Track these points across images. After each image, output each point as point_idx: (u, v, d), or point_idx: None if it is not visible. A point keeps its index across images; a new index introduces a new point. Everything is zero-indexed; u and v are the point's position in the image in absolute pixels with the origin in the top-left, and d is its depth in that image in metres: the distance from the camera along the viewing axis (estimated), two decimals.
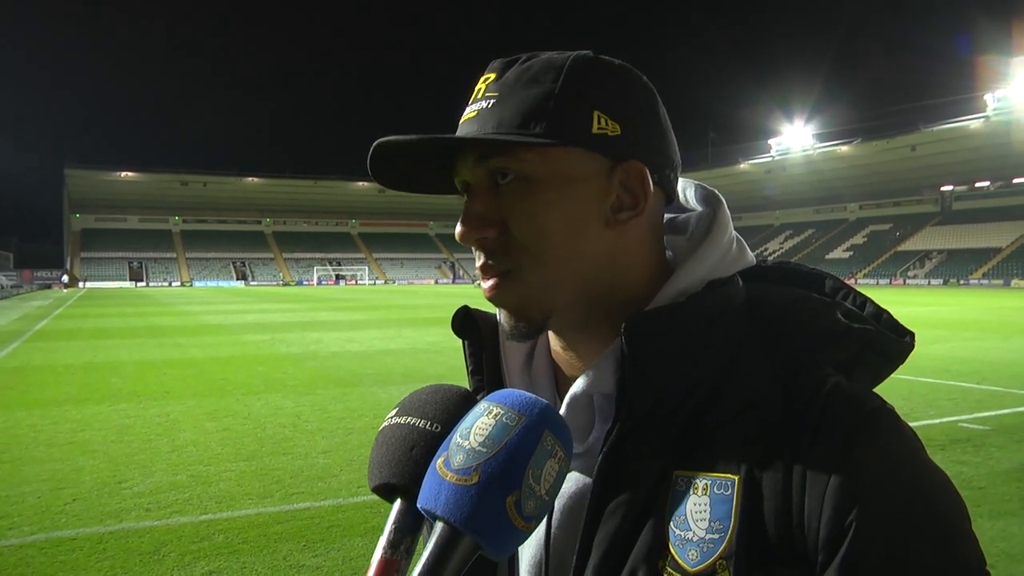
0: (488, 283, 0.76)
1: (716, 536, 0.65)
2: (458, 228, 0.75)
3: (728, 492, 0.66)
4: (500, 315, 0.80)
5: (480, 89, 0.77)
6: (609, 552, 0.69)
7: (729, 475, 0.67)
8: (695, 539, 0.66)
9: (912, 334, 0.78)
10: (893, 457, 0.64)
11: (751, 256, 0.83)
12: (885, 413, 0.66)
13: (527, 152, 0.72)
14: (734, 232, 0.82)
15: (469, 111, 0.76)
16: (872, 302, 0.80)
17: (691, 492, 0.68)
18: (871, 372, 0.76)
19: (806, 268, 0.85)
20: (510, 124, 0.72)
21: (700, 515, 0.67)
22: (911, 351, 0.77)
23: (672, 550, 0.67)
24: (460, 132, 0.76)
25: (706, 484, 0.67)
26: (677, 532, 0.67)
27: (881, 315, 0.78)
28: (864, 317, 0.77)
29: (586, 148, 0.74)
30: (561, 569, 0.74)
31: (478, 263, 0.77)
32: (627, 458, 0.70)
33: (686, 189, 0.86)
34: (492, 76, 0.76)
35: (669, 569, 0.66)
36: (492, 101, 0.74)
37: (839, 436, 0.64)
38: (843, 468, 0.63)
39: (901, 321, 0.79)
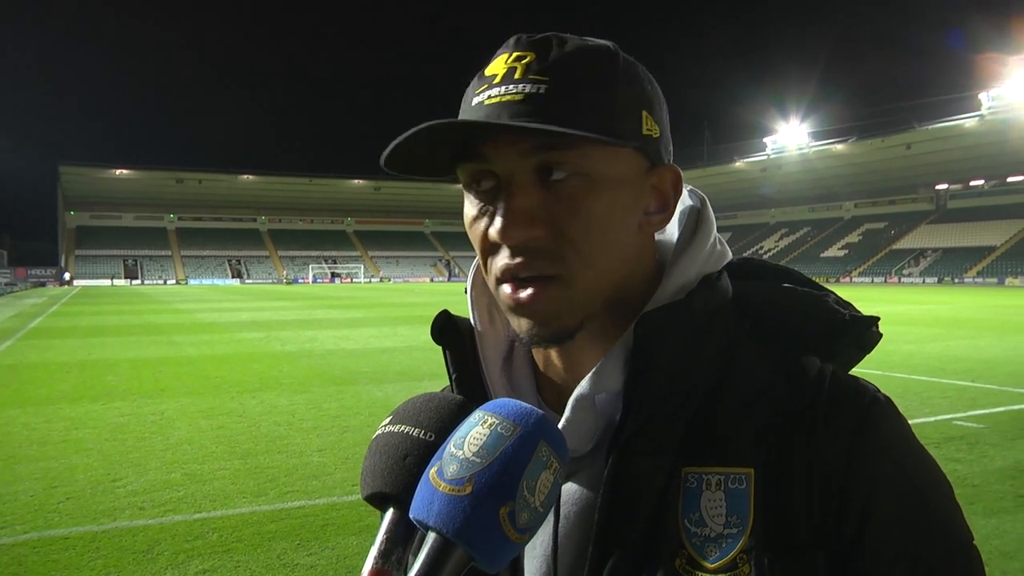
0: (527, 291, 0.69)
1: (735, 531, 0.65)
2: (501, 224, 0.68)
3: (743, 486, 0.66)
4: (519, 322, 0.72)
5: (515, 68, 0.69)
6: (624, 556, 0.68)
7: (743, 469, 0.67)
8: (713, 535, 0.66)
9: (878, 319, 0.78)
10: (896, 446, 0.68)
11: (730, 252, 0.83)
12: (884, 402, 0.69)
13: (595, 149, 0.68)
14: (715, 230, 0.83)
15: (505, 92, 0.68)
16: (834, 293, 0.80)
17: (704, 488, 0.68)
18: (845, 360, 0.76)
19: (771, 264, 0.86)
20: (576, 116, 0.66)
21: (716, 511, 0.66)
22: (879, 339, 0.78)
23: (689, 548, 0.66)
24: (494, 114, 0.68)
25: (719, 479, 0.67)
26: (692, 529, 0.67)
27: (849, 306, 0.80)
28: (852, 306, 0.79)
29: (636, 149, 0.71)
30: None
31: (510, 262, 0.69)
32: (635, 458, 0.69)
33: None
34: (530, 56, 0.69)
35: (687, 567, 0.66)
36: (543, 87, 0.67)
37: (847, 426, 0.67)
38: (854, 459, 0.65)
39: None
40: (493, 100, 0.69)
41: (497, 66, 0.70)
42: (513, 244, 0.69)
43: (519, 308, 0.71)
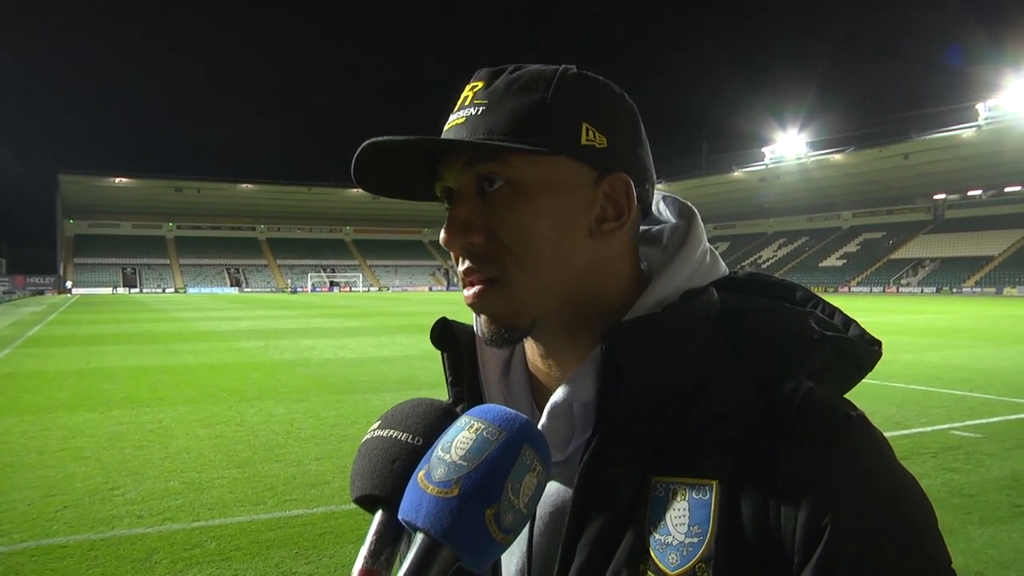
0: (472, 290, 0.76)
1: (695, 540, 0.66)
2: (443, 234, 0.75)
3: (706, 497, 0.68)
4: (479, 322, 0.80)
5: (467, 97, 0.77)
6: (591, 558, 0.70)
7: (707, 480, 0.68)
8: (675, 543, 0.67)
9: (880, 342, 0.80)
10: (865, 463, 0.66)
11: (724, 267, 0.85)
12: (856, 419, 0.68)
13: (518, 159, 0.73)
14: (707, 244, 0.84)
15: (456, 117, 0.76)
16: (840, 312, 0.82)
17: (670, 497, 0.69)
18: (840, 379, 0.77)
19: (776, 279, 0.87)
20: (502, 131, 0.73)
21: (679, 520, 0.68)
22: (879, 359, 0.79)
23: (652, 555, 0.68)
24: (447, 138, 0.76)
25: (685, 489, 0.69)
26: (657, 537, 0.68)
27: (850, 324, 0.80)
28: (835, 326, 0.79)
29: (574, 158, 0.75)
30: None
31: (460, 268, 0.77)
32: (607, 466, 0.71)
33: (658, 202, 0.88)
34: (480, 84, 0.77)
35: (650, 573, 0.67)
36: (482, 108, 0.75)
37: (813, 442, 0.66)
38: (818, 474, 0.65)
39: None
40: (449, 125, 0.77)
41: (461, 95, 0.78)
42: (454, 250, 0.76)
43: (471, 306, 0.78)
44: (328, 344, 18.92)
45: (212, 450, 7.58)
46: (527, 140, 0.73)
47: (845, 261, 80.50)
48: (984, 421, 8.70)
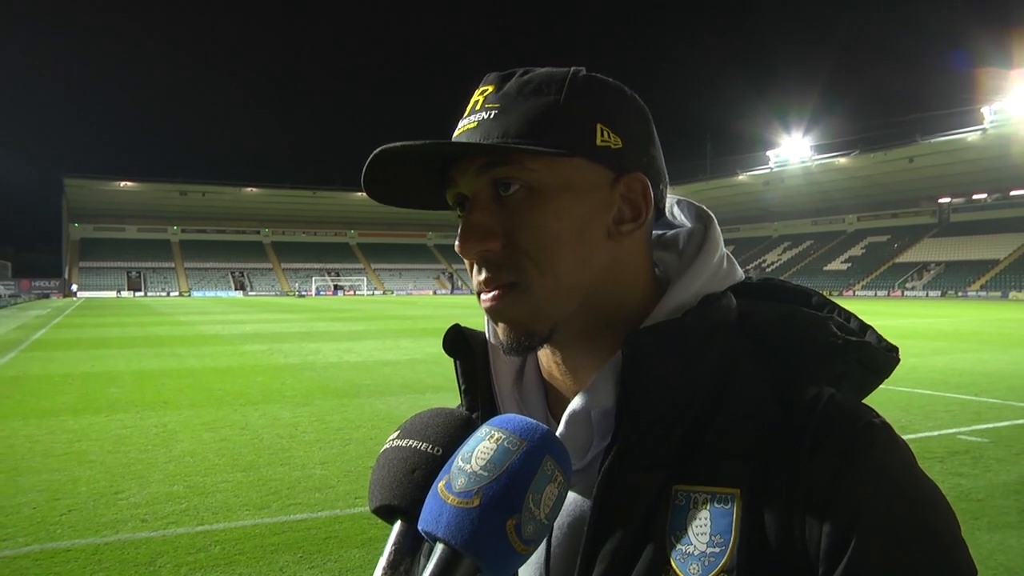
0: (489, 295, 0.74)
1: (717, 550, 0.65)
2: (458, 242, 0.74)
3: (728, 506, 0.66)
4: (497, 330, 0.78)
5: (478, 101, 0.76)
6: (610, 569, 0.69)
7: (729, 489, 0.67)
8: (696, 553, 0.66)
9: (897, 348, 0.79)
10: (888, 471, 0.65)
11: (740, 272, 0.84)
12: (880, 427, 0.67)
13: (534, 162, 0.72)
14: (724, 249, 0.83)
15: (467, 122, 0.75)
16: (856, 317, 0.81)
17: (691, 506, 0.68)
18: (857, 385, 0.76)
19: (791, 284, 0.86)
20: (516, 134, 0.72)
21: (701, 529, 0.67)
22: (896, 365, 0.78)
23: (673, 564, 0.67)
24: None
25: (706, 498, 0.68)
26: (678, 546, 0.67)
27: (867, 329, 0.80)
28: (855, 331, 0.78)
29: (591, 160, 0.74)
30: None
31: (478, 277, 0.75)
32: (626, 474, 0.70)
33: (673, 205, 0.87)
34: (491, 88, 0.76)
35: None
36: (494, 112, 0.74)
37: (837, 450, 0.65)
38: (842, 482, 0.64)
39: (896, 333, 0.79)
40: (461, 130, 0.76)
41: (471, 100, 0.78)
42: (471, 257, 0.74)
43: (489, 313, 0.76)
44: (332, 348, 18.92)
45: (216, 454, 7.58)
46: (542, 142, 0.72)
47: (850, 264, 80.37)
48: (991, 426, 8.66)
